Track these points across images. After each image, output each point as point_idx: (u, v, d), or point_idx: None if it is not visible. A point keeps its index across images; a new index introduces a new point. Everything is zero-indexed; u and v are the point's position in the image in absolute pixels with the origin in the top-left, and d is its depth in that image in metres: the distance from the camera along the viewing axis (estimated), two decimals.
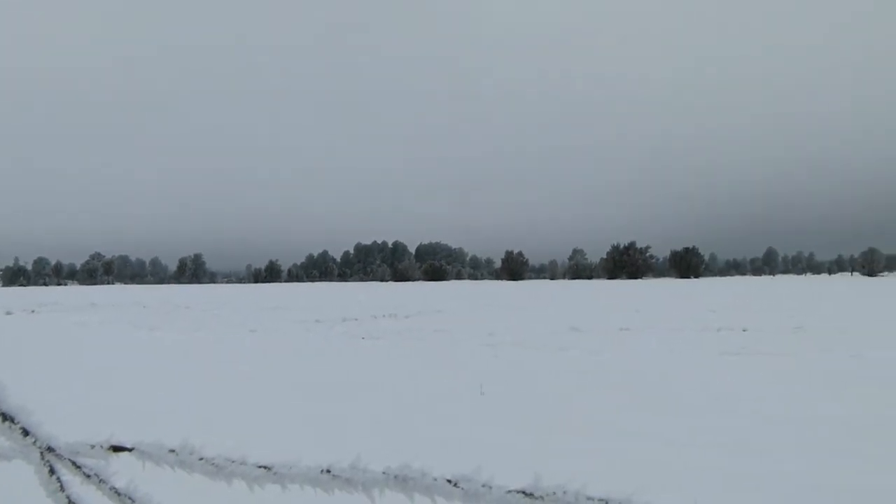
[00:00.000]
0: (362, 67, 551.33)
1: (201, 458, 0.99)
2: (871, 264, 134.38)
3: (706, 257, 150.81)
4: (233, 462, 0.95)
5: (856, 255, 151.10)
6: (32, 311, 32.72)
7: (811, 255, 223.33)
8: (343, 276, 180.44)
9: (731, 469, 5.38)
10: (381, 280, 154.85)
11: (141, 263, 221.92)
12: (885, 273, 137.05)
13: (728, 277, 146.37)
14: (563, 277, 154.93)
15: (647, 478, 5.12)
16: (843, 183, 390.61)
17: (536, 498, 0.80)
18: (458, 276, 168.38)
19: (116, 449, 1.09)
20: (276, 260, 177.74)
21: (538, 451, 5.92)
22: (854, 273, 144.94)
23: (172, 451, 1.03)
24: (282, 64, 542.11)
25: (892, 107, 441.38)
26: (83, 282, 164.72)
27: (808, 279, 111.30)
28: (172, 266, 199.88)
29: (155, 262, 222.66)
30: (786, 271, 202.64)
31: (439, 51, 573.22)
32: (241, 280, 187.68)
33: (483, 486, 0.82)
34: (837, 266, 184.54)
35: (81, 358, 14.00)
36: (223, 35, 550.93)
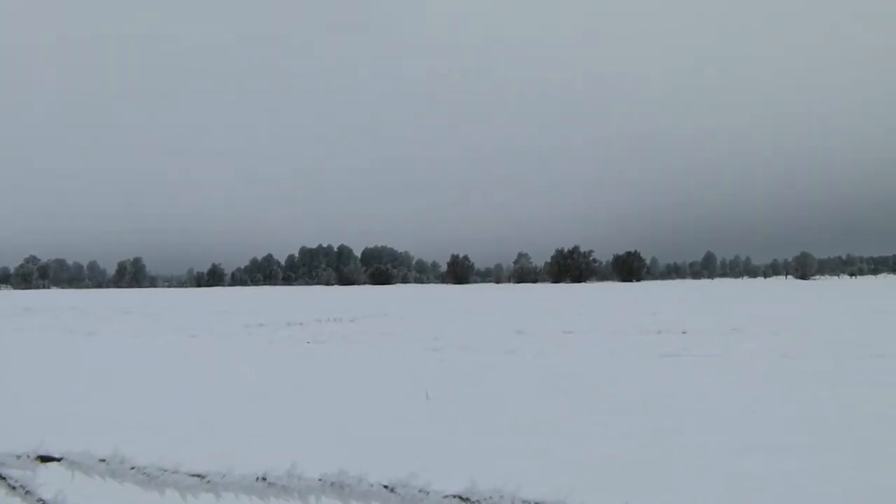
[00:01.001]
0: (301, 68, 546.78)
1: (133, 468, 0.97)
2: (803, 268, 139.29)
3: (647, 261, 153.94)
4: (165, 471, 0.93)
5: (790, 260, 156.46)
6: None
7: (748, 259, 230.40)
8: (288, 280, 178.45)
9: (664, 468, 5.50)
10: (327, 284, 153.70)
11: (78, 267, 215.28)
12: (818, 276, 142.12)
13: (669, 281, 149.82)
14: (509, 281, 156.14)
15: (583, 478, 5.19)
16: (778, 190, 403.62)
17: (473, 502, 0.81)
18: (404, 280, 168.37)
19: (44, 459, 1.05)
20: (219, 264, 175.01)
21: (478, 454, 5.94)
22: (788, 276, 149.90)
23: (103, 460, 1.00)
24: (220, 64, 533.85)
25: (826, 118, 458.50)
26: (17, 286, 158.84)
27: (745, 282, 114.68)
28: (111, 270, 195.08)
29: (93, 266, 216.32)
30: (724, 275, 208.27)
31: (377, 51, 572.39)
32: (182, 284, 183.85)
33: (420, 491, 0.83)
34: (773, 270, 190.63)
35: (11, 365, 13.52)
36: (162, 33, 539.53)
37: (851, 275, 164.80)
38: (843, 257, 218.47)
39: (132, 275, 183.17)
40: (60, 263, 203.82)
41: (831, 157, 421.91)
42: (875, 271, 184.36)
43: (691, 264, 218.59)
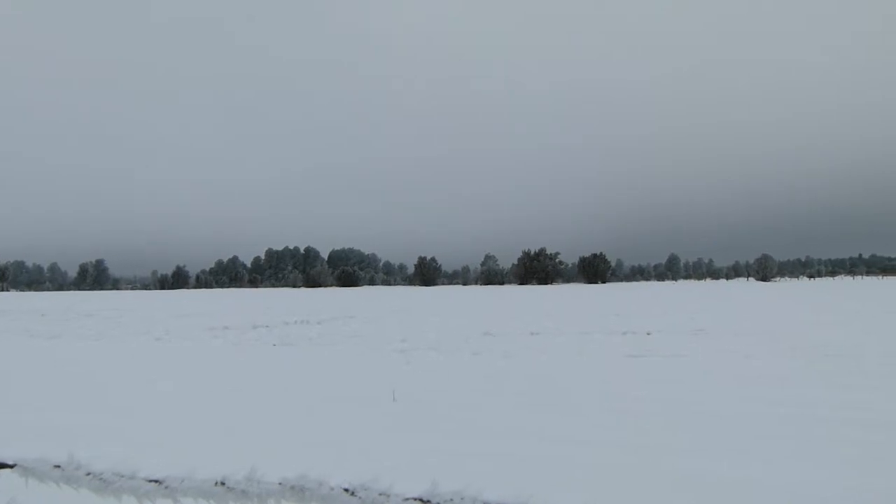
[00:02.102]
0: (270, 69, 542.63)
1: (88, 473, 0.95)
2: (764, 270, 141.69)
3: (613, 263, 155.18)
4: (122, 476, 0.92)
5: (751, 262, 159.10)
6: None
7: (710, 261, 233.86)
8: (254, 282, 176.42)
9: (628, 469, 5.55)
10: (293, 286, 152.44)
11: (38, 269, 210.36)
12: (778, 278, 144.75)
13: (633, 283, 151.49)
14: (476, 283, 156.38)
15: (548, 479, 5.21)
16: (740, 194, 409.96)
17: None
18: (371, 282, 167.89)
19: None
20: (184, 265, 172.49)
21: (442, 456, 5.93)
22: (749, 278, 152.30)
23: (57, 466, 0.98)
24: (184, 63, 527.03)
25: (784, 125, 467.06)
26: None
27: (708, 284, 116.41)
28: (72, 272, 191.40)
29: (54, 268, 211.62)
30: (687, 276, 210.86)
31: (346, 55, 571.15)
32: (146, 287, 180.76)
33: (381, 494, 0.82)
34: (734, 272, 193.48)
35: None
36: (124, 32, 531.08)
37: (810, 276, 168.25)
38: (802, 259, 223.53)
39: (94, 277, 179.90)
40: (20, 265, 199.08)
41: (791, 163, 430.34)
42: (832, 273, 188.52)
43: (655, 266, 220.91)
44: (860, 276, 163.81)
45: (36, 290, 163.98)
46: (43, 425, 7.48)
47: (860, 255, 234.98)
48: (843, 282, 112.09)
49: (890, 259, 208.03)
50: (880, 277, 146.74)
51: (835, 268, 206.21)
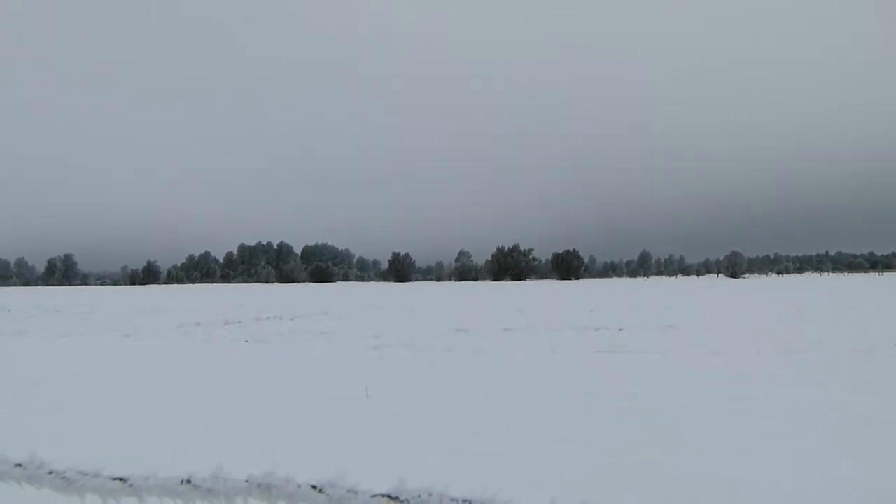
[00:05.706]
0: (243, 66, 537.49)
1: (51, 472, 0.93)
2: (734, 267, 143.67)
3: (586, 260, 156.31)
4: (85, 475, 0.90)
5: (721, 259, 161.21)
6: None
7: (682, 258, 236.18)
8: (226, 278, 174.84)
9: (591, 466, 5.59)
10: (266, 282, 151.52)
11: (5, 264, 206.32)
12: (747, 275, 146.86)
13: (606, 279, 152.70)
14: (450, 279, 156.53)
15: (512, 476, 5.24)
16: (710, 191, 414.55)
17: (401, 501, 0.80)
18: (345, 278, 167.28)
19: None
20: (155, 261, 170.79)
21: (411, 453, 5.94)
22: (719, 275, 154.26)
23: (19, 465, 0.96)
24: (159, 59, 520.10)
25: (752, 125, 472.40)
26: None
27: (679, 280, 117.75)
28: (40, 267, 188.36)
29: (21, 263, 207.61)
30: (659, 273, 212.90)
31: (318, 52, 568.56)
32: (116, 282, 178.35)
33: (348, 491, 0.82)
34: (705, 268, 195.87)
35: None
36: (99, 29, 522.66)
37: (779, 273, 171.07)
38: (771, 256, 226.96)
39: (63, 272, 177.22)
40: None
41: (759, 161, 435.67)
42: (800, 270, 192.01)
43: (628, 263, 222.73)
44: (827, 273, 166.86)
45: (2, 285, 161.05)
46: (3, 423, 7.35)
47: (827, 252, 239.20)
48: (811, 278, 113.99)
49: (855, 256, 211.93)
50: (846, 274, 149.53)
51: (803, 265, 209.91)
